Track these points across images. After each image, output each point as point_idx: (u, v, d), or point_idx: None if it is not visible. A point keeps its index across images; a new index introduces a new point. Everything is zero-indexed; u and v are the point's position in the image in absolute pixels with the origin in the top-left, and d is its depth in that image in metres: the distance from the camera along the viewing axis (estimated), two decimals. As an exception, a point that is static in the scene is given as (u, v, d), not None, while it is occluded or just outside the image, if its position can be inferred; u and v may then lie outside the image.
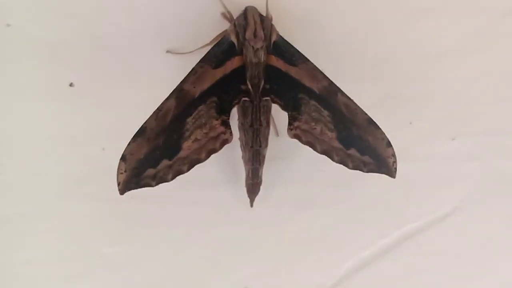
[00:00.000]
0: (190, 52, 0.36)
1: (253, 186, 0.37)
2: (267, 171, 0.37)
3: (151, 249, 0.40)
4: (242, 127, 0.35)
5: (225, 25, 0.35)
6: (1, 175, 0.38)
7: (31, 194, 0.39)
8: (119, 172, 0.32)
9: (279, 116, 0.36)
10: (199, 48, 0.36)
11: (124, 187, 0.32)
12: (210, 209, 0.40)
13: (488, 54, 0.39)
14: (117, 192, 0.33)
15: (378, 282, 0.41)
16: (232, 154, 0.38)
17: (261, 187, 0.37)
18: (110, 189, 0.36)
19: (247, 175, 0.37)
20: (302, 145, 0.35)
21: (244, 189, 0.38)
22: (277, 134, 0.39)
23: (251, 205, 0.38)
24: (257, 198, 0.38)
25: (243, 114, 0.35)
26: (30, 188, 0.39)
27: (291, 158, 0.40)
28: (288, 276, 0.41)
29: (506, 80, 0.40)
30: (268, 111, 0.35)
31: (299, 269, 0.41)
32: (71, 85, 0.38)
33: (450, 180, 0.41)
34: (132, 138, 0.32)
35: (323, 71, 0.34)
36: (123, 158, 0.32)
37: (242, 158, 0.37)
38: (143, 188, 0.33)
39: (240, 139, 0.36)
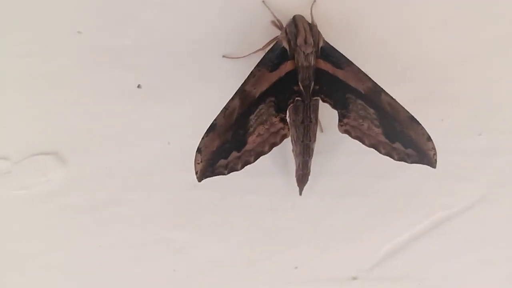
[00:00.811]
0: (244, 56, 0.38)
1: (302, 177, 0.39)
2: (314, 164, 0.38)
3: (212, 233, 0.41)
4: (293, 123, 0.37)
5: (275, 32, 0.37)
6: (78, 168, 0.40)
7: (104, 185, 0.40)
8: (196, 162, 0.34)
9: (322, 114, 0.38)
10: (252, 53, 0.38)
11: (202, 175, 0.34)
12: (264, 197, 0.41)
13: (510, 56, 0.41)
14: (181, 182, 0.36)
15: (412, 264, 0.42)
16: (283, 148, 0.38)
17: (309, 178, 0.39)
18: (174, 179, 0.39)
19: (298, 167, 0.38)
20: (344, 140, 0.37)
21: (294, 179, 0.39)
22: (321, 130, 0.40)
23: (300, 194, 0.40)
24: (305, 188, 0.40)
25: (295, 112, 0.37)
26: (103, 179, 0.40)
27: (334, 152, 0.41)
28: (332, 257, 0.42)
29: None
30: (316, 109, 0.37)
31: (342, 251, 0.42)
32: (138, 86, 0.39)
33: (477, 173, 0.42)
34: (205, 133, 0.34)
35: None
36: (198, 150, 0.34)
37: (293, 151, 0.38)
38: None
39: (291, 134, 0.37)
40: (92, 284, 0.42)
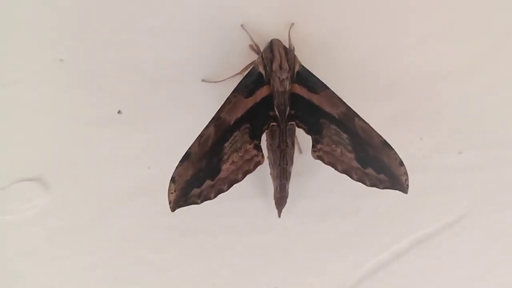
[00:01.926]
0: (223, 80, 0.38)
1: (280, 199, 0.39)
2: (292, 186, 0.39)
3: (192, 255, 0.42)
4: (270, 147, 0.37)
5: (253, 55, 0.37)
6: (59, 192, 0.40)
7: (85, 208, 0.41)
8: (169, 192, 0.34)
9: (301, 135, 0.38)
10: (230, 77, 0.38)
11: (175, 205, 0.34)
12: (243, 219, 0.42)
13: (490, 73, 0.41)
14: (161, 205, 0.35)
15: (393, 283, 0.42)
16: (261, 171, 0.38)
17: (288, 200, 0.39)
18: (155, 203, 0.39)
19: (275, 190, 0.39)
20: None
21: (273, 202, 0.40)
22: (300, 151, 0.40)
23: (279, 216, 0.40)
24: (284, 210, 0.40)
25: (271, 136, 0.37)
26: (84, 203, 0.41)
27: (313, 174, 0.41)
28: (312, 277, 0.42)
29: (508, 96, 0.41)
30: (293, 133, 0.37)
31: (322, 271, 0.42)
32: (119, 112, 0.40)
33: (457, 190, 0.42)
34: (179, 162, 0.34)
35: (340, 93, 0.36)
36: (172, 180, 0.34)
37: (271, 174, 0.38)
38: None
39: (268, 157, 0.38)
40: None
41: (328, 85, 0.36)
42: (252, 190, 0.41)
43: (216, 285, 0.42)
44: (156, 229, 0.41)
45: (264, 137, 0.37)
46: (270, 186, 0.40)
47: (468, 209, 0.43)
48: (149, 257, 0.42)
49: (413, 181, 0.36)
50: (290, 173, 0.38)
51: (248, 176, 0.37)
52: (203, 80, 0.40)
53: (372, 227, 0.42)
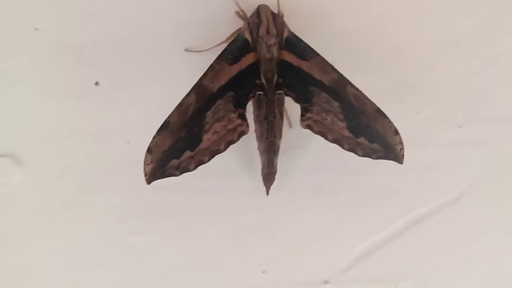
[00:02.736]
0: (207, 49, 0.37)
1: (268, 175, 0.38)
2: (282, 161, 0.38)
3: (174, 236, 0.41)
4: (257, 119, 0.36)
5: (240, 23, 0.36)
6: (33, 169, 0.39)
7: (61, 187, 0.40)
8: (145, 163, 0.33)
9: (292, 108, 0.37)
10: (215, 46, 0.37)
11: (151, 177, 0.33)
12: (228, 197, 0.41)
13: (492, 44, 0.40)
14: (142, 183, 0.34)
15: (389, 265, 0.42)
16: (248, 145, 0.38)
17: (276, 176, 0.38)
18: (135, 180, 0.37)
19: (263, 165, 0.38)
20: (314, 135, 0.36)
21: (260, 178, 0.38)
22: (290, 125, 0.39)
23: (267, 193, 0.39)
24: (272, 187, 0.39)
25: (258, 107, 0.36)
26: (60, 181, 0.40)
27: (304, 148, 0.40)
28: (302, 260, 0.41)
29: (509, 69, 0.40)
30: (281, 104, 0.36)
31: (314, 253, 0.41)
32: (96, 84, 0.39)
33: (457, 166, 0.41)
34: (157, 132, 0.33)
35: (334, 64, 0.35)
36: (149, 150, 0.33)
37: (258, 149, 0.37)
38: (166, 179, 0.34)
39: (255, 131, 0.37)
40: (50, 288, 0.41)
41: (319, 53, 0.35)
42: (238, 166, 0.40)
43: (200, 268, 0.41)
44: (136, 209, 0.40)
45: (251, 109, 0.36)
46: (257, 162, 0.38)
47: (469, 186, 0.42)
48: (129, 239, 0.41)
49: (411, 156, 0.35)
50: (278, 147, 0.37)
51: (234, 150, 0.36)
52: (186, 49, 0.39)
53: (367, 205, 0.41)
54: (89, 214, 0.40)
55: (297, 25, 0.36)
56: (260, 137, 0.37)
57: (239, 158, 0.40)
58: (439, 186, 0.41)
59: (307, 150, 0.41)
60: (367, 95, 0.35)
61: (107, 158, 0.40)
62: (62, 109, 0.39)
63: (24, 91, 0.39)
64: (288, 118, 0.39)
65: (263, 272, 0.42)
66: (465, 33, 0.40)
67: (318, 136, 0.36)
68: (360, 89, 0.35)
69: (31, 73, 0.39)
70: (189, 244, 0.41)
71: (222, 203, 0.41)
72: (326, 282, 0.42)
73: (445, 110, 0.41)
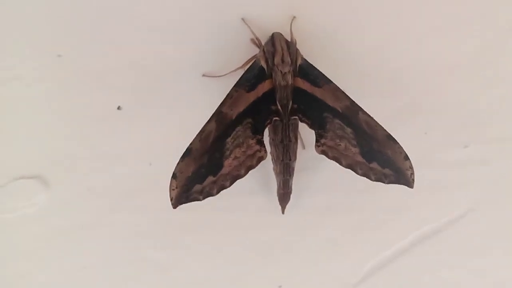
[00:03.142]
0: (224, 75, 0.38)
1: (284, 196, 0.39)
2: (296, 182, 0.39)
3: (194, 253, 0.41)
4: (273, 143, 0.37)
5: (255, 49, 0.37)
6: (61, 190, 0.40)
7: (86, 207, 0.41)
8: (171, 189, 0.34)
9: (304, 130, 0.37)
10: (232, 71, 0.38)
11: (177, 201, 0.34)
12: (247, 216, 0.41)
13: (496, 65, 0.41)
14: (163, 202, 0.34)
15: (398, 280, 0.42)
16: (264, 167, 0.38)
17: (291, 196, 0.39)
18: (157, 199, 0.38)
19: (279, 186, 0.38)
20: (325, 157, 0.36)
21: (276, 198, 0.39)
22: (303, 147, 0.40)
23: (283, 212, 0.40)
24: (288, 206, 0.40)
25: (274, 131, 0.36)
26: (85, 201, 0.40)
27: (317, 169, 0.41)
28: (316, 275, 0.42)
29: None
30: (296, 128, 0.36)
31: (326, 268, 0.42)
32: (119, 108, 0.40)
33: (463, 185, 0.42)
34: (180, 158, 0.34)
35: (344, 87, 0.35)
36: (174, 176, 0.34)
37: (274, 170, 0.38)
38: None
39: (271, 153, 0.37)
40: (76, 304, 0.42)
41: (331, 79, 0.36)
42: (255, 186, 0.41)
43: (218, 283, 0.42)
44: (158, 227, 0.41)
45: (266, 132, 0.37)
46: (273, 182, 0.39)
47: (474, 204, 0.42)
48: (151, 256, 0.42)
49: (418, 176, 0.36)
50: (293, 169, 0.38)
51: (251, 172, 0.36)
52: (204, 75, 0.39)
53: (377, 222, 0.42)
54: (112, 232, 0.41)
55: (308, 50, 0.37)
56: (276, 160, 0.37)
57: (256, 179, 0.41)
58: (446, 204, 0.42)
59: (319, 170, 0.41)
60: (376, 117, 0.35)
61: (130, 178, 0.40)
62: (86, 132, 0.40)
63: (49, 115, 0.39)
64: (301, 139, 0.40)
65: (279, 286, 0.43)
66: (469, 55, 0.40)
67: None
68: (370, 111, 0.35)
69: (56, 97, 0.39)
70: (208, 260, 0.42)
71: (240, 221, 0.41)
72: None
73: (451, 131, 0.41)
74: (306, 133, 0.38)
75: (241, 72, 0.36)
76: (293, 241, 0.42)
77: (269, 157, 0.38)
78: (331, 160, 0.36)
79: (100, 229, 0.41)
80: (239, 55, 0.38)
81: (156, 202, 0.40)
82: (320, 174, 0.41)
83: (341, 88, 0.36)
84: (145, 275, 0.42)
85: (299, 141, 0.38)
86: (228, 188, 0.36)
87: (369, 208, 0.42)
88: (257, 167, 0.37)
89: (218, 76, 0.39)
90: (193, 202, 0.35)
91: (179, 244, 0.42)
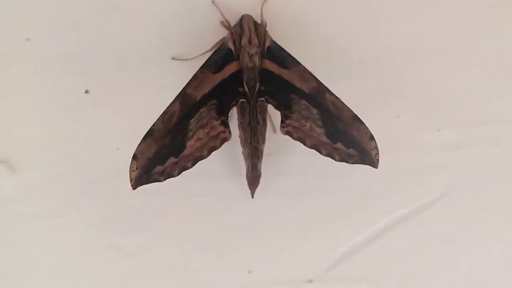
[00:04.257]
0: (193, 58, 0.38)
1: (253, 179, 0.39)
2: (266, 165, 0.38)
3: (162, 238, 0.41)
4: (241, 125, 0.37)
5: (225, 33, 0.37)
6: (26, 175, 0.40)
7: (53, 192, 0.40)
8: (131, 170, 0.34)
9: (276, 114, 0.37)
10: (201, 55, 0.37)
11: (136, 182, 0.34)
12: (215, 201, 0.41)
13: (469, 49, 0.40)
14: (131, 188, 0.34)
15: (371, 264, 0.42)
16: (233, 150, 0.39)
17: (261, 180, 0.39)
18: (124, 185, 0.36)
19: (247, 169, 0.38)
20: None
21: (245, 182, 0.39)
22: (274, 131, 0.40)
23: (252, 196, 0.40)
24: (257, 190, 0.39)
25: (241, 114, 0.36)
26: (53, 186, 0.40)
27: (288, 153, 0.41)
28: (287, 260, 0.42)
29: (486, 74, 0.41)
30: (264, 110, 0.36)
31: (297, 253, 0.42)
32: (86, 92, 0.39)
33: (436, 169, 0.41)
34: (142, 139, 0.33)
35: (314, 70, 0.35)
36: (134, 157, 0.33)
37: (242, 154, 0.38)
38: (153, 184, 0.34)
39: (239, 136, 0.37)
40: (42, 291, 0.42)
41: (301, 62, 0.35)
42: (224, 170, 0.41)
43: (188, 269, 0.42)
44: (126, 212, 0.41)
45: (235, 116, 0.37)
46: (242, 166, 0.39)
47: (447, 188, 0.42)
48: (119, 242, 0.41)
49: (390, 160, 0.36)
50: (262, 152, 0.38)
51: (219, 156, 0.37)
52: (173, 58, 0.39)
53: (348, 207, 0.42)
54: (79, 218, 0.41)
55: (278, 33, 0.37)
56: (244, 143, 0.37)
57: (225, 163, 0.41)
58: (419, 188, 0.42)
59: (290, 154, 0.41)
60: (347, 100, 0.35)
61: (98, 163, 0.40)
62: (54, 116, 0.39)
63: (16, 100, 0.39)
64: (272, 123, 0.40)
65: (249, 272, 0.42)
66: (442, 38, 0.40)
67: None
68: (341, 95, 0.35)
69: (23, 82, 0.39)
70: (176, 246, 0.41)
71: (208, 206, 0.41)
72: (310, 281, 0.42)
73: (424, 114, 0.41)
74: (278, 116, 0.38)
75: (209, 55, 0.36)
76: (263, 225, 0.42)
77: (237, 140, 0.38)
78: (301, 145, 0.36)
79: (67, 215, 0.41)
80: (208, 38, 0.38)
81: (123, 188, 0.38)
82: (291, 158, 0.41)
83: (311, 71, 0.35)
84: (113, 261, 0.41)
85: (269, 125, 0.38)
86: (197, 172, 0.36)
87: (341, 192, 0.42)
88: (226, 151, 0.37)
89: (187, 60, 0.38)
90: (158, 186, 0.35)
91: (147, 229, 0.41)
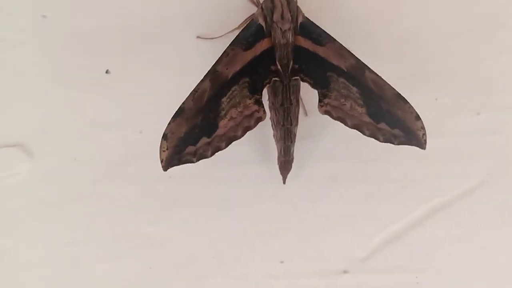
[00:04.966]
0: (220, 36, 0.37)
1: (285, 164, 0.38)
2: (298, 150, 0.37)
3: (190, 227, 0.40)
4: (273, 106, 0.36)
5: (252, 9, 0.36)
6: (45, 160, 0.39)
7: (72, 177, 0.39)
8: (161, 150, 0.33)
9: (307, 96, 0.37)
10: (228, 33, 0.36)
11: (167, 163, 0.33)
12: (244, 186, 0.40)
13: (509, 31, 0.39)
14: (156, 173, 0.33)
15: (408, 254, 0.41)
16: (264, 133, 0.38)
17: (293, 165, 0.38)
18: (148, 170, 0.38)
19: (279, 153, 0.37)
20: (331, 124, 0.35)
21: (277, 167, 0.38)
22: (305, 114, 0.39)
23: (284, 182, 0.39)
24: (289, 175, 0.38)
25: (273, 93, 0.35)
26: (71, 172, 0.39)
27: (321, 137, 0.40)
28: (320, 249, 0.41)
29: None
30: (297, 90, 0.35)
31: (331, 243, 0.41)
32: (107, 72, 0.39)
33: (475, 155, 0.40)
34: (172, 118, 0.33)
35: (349, 49, 0.34)
36: (164, 137, 0.33)
37: (274, 136, 0.37)
38: (178, 169, 0.33)
39: (271, 118, 0.36)
40: (62, 281, 0.41)
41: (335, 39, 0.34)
42: (254, 154, 0.40)
43: (216, 259, 0.41)
44: (150, 199, 0.40)
45: (266, 97, 0.36)
46: (274, 150, 0.38)
47: (487, 175, 0.41)
48: (143, 230, 0.40)
49: (428, 144, 0.34)
50: (295, 134, 0.37)
51: (249, 139, 0.36)
52: (198, 37, 0.38)
53: (385, 194, 0.41)
54: (101, 205, 0.40)
55: (309, 11, 0.35)
56: (276, 125, 0.36)
57: (255, 147, 0.40)
58: (458, 175, 0.41)
59: (323, 138, 0.40)
60: None
61: (119, 147, 0.39)
62: (72, 98, 0.39)
63: (32, 80, 0.38)
64: (303, 106, 0.39)
65: (281, 262, 0.41)
66: (482, 17, 0.39)
67: (335, 124, 0.35)
68: None
69: (39, 62, 0.38)
70: (205, 234, 0.41)
71: (238, 193, 0.40)
72: (345, 272, 0.41)
73: (463, 97, 0.40)
74: (309, 99, 0.37)
75: (237, 33, 0.35)
76: (295, 213, 0.41)
77: (269, 123, 0.37)
78: (335, 128, 0.36)
79: (87, 202, 0.40)
80: (235, 15, 0.37)
81: (147, 173, 0.39)
82: (324, 142, 0.40)
83: (345, 49, 0.34)
84: (136, 251, 0.40)
85: (301, 107, 0.37)
86: (225, 157, 0.35)
87: (377, 179, 0.41)
88: (256, 134, 0.36)
89: (213, 38, 0.37)
90: (184, 171, 0.34)
91: (173, 217, 0.40)
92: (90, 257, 0.40)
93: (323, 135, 0.40)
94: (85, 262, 0.41)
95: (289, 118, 0.36)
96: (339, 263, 0.41)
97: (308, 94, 0.36)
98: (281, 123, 0.36)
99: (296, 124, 0.36)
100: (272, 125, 0.37)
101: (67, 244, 0.40)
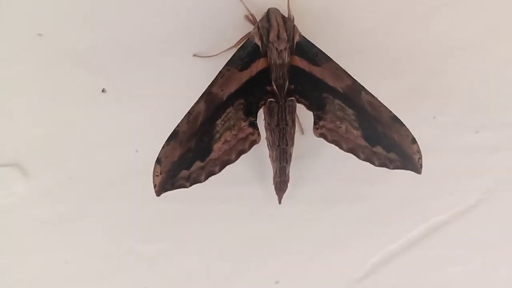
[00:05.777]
0: (216, 54, 0.37)
1: (281, 184, 0.37)
2: (294, 169, 0.37)
3: (184, 246, 0.40)
4: (268, 127, 0.35)
5: (249, 28, 0.36)
6: (39, 179, 0.39)
7: (67, 196, 0.39)
8: (154, 175, 0.33)
9: (303, 114, 0.36)
10: (224, 51, 0.36)
11: (160, 188, 0.33)
12: (240, 206, 0.40)
13: (508, 46, 0.39)
14: (151, 192, 0.33)
15: (405, 275, 0.41)
16: (259, 153, 0.38)
17: (289, 185, 0.38)
18: (143, 189, 0.37)
19: (275, 173, 0.37)
20: (327, 143, 0.35)
21: (272, 187, 0.38)
22: (302, 132, 0.39)
23: (279, 202, 0.39)
24: (285, 195, 0.38)
25: (269, 114, 0.35)
26: (67, 191, 0.39)
27: (317, 156, 0.40)
28: (316, 270, 0.41)
29: None
30: (293, 110, 0.35)
31: (327, 263, 0.41)
32: (103, 91, 0.38)
33: (473, 173, 0.40)
34: (165, 142, 0.33)
35: (345, 67, 0.34)
36: (158, 161, 0.32)
37: (270, 157, 0.37)
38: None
39: (267, 138, 0.36)
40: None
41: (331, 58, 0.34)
42: (249, 175, 0.40)
43: (211, 279, 0.41)
44: (145, 218, 0.40)
45: (261, 116, 0.36)
46: (269, 170, 0.38)
47: (485, 193, 0.41)
48: (138, 249, 0.40)
49: (426, 163, 0.34)
50: (290, 155, 0.36)
51: (245, 159, 0.35)
52: (194, 55, 0.38)
53: (382, 214, 0.41)
54: (96, 223, 0.40)
55: (307, 28, 0.35)
56: (271, 145, 0.36)
57: (251, 166, 0.40)
58: (455, 194, 0.41)
59: (319, 158, 0.40)
60: (380, 100, 0.34)
61: (115, 166, 0.39)
62: (68, 117, 0.39)
63: (28, 99, 0.38)
64: (300, 124, 0.38)
65: (276, 282, 0.42)
66: (480, 34, 0.39)
67: (331, 144, 0.35)
68: (372, 93, 0.34)
69: (35, 80, 0.38)
70: (200, 254, 0.41)
71: (233, 212, 0.40)
72: None
73: (461, 115, 0.40)
74: (305, 118, 0.37)
75: (234, 52, 0.35)
76: (290, 233, 0.41)
77: (264, 142, 0.36)
78: (332, 147, 0.35)
79: (82, 221, 0.40)
80: (232, 33, 0.37)
81: (143, 192, 0.38)
82: (320, 162, 0.40)
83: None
84: (132, 270, 0.41)
85: (297, 126, 0.37)
86: (220, 177, 0.34)
87: (373, 199, 0.41)
88: (252, 154, 0.36)
89: (210, 56, 0.37)
90: (179, 190, 0.34)
91: (168, 236, 0.40)
92: (86, 276, 0.40)
93: (320, 154, 0.40)
94: (81, 280, 0.41)
95: (284, 139, 0.35)
96: (335, 284, 0.41)
97: (305, 111, 0.35)
98: (277, 144, 0.36)
99: (292, 145, 0.36)
100: (268, 146, 0.37)
101: (63, 263, 0.40)
